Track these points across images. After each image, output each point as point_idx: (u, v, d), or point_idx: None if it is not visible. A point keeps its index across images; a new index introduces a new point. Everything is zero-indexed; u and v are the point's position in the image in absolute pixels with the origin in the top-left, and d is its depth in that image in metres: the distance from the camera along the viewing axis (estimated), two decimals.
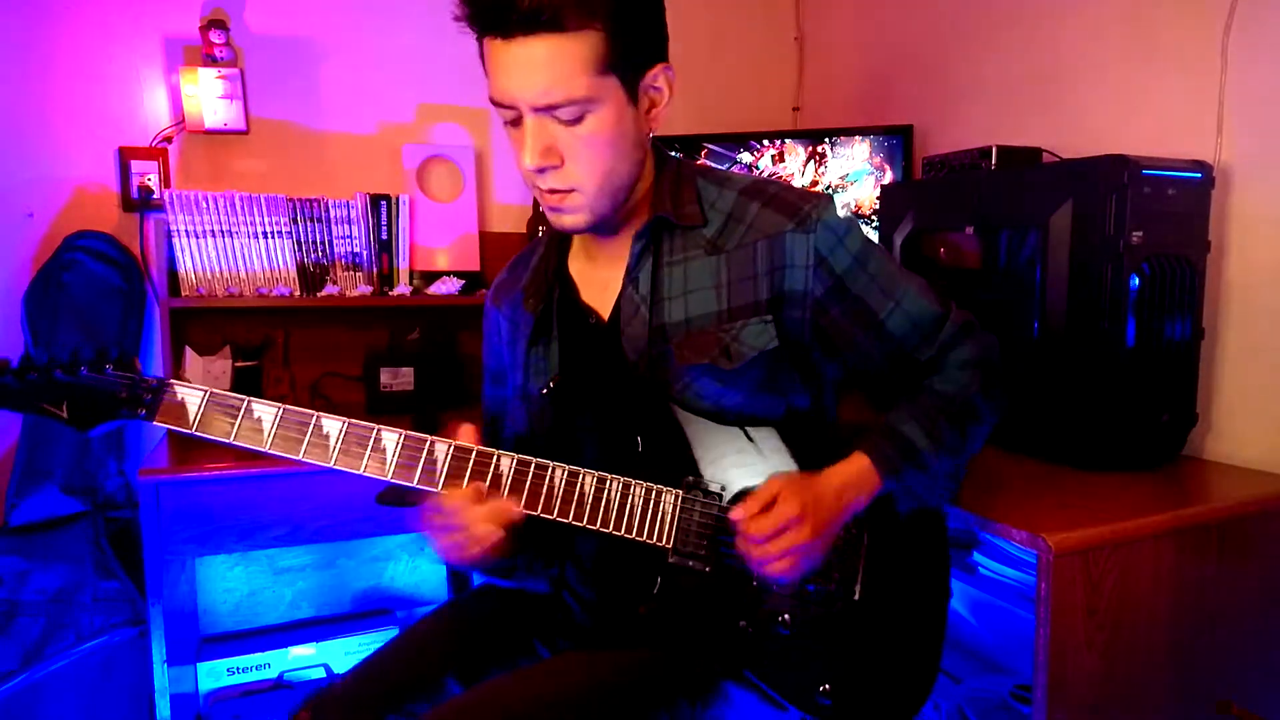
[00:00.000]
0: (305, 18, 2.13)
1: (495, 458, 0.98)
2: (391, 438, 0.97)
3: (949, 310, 1.08)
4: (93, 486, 1.89)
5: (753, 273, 1.02)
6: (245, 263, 2.02)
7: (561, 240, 1.14)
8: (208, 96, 1.99)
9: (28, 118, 1.93)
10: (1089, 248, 1.36)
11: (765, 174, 2.20)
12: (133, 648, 1.77)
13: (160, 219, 1.98)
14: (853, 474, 0.99)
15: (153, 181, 2.00)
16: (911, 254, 1.71)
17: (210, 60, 2.00)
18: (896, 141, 2.06)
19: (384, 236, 2.14)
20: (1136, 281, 1.34)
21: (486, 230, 2.31)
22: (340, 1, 2.15)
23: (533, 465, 0.98)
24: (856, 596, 1.02)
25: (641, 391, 1.03)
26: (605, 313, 1.08)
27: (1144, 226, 1.33)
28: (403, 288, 2.13)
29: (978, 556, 1.54)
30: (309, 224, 2.08)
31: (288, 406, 0.96)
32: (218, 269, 2.00)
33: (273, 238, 2.04)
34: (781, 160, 2.19)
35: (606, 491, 0.99)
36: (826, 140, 2.14)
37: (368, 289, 2.09)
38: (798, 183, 2.16)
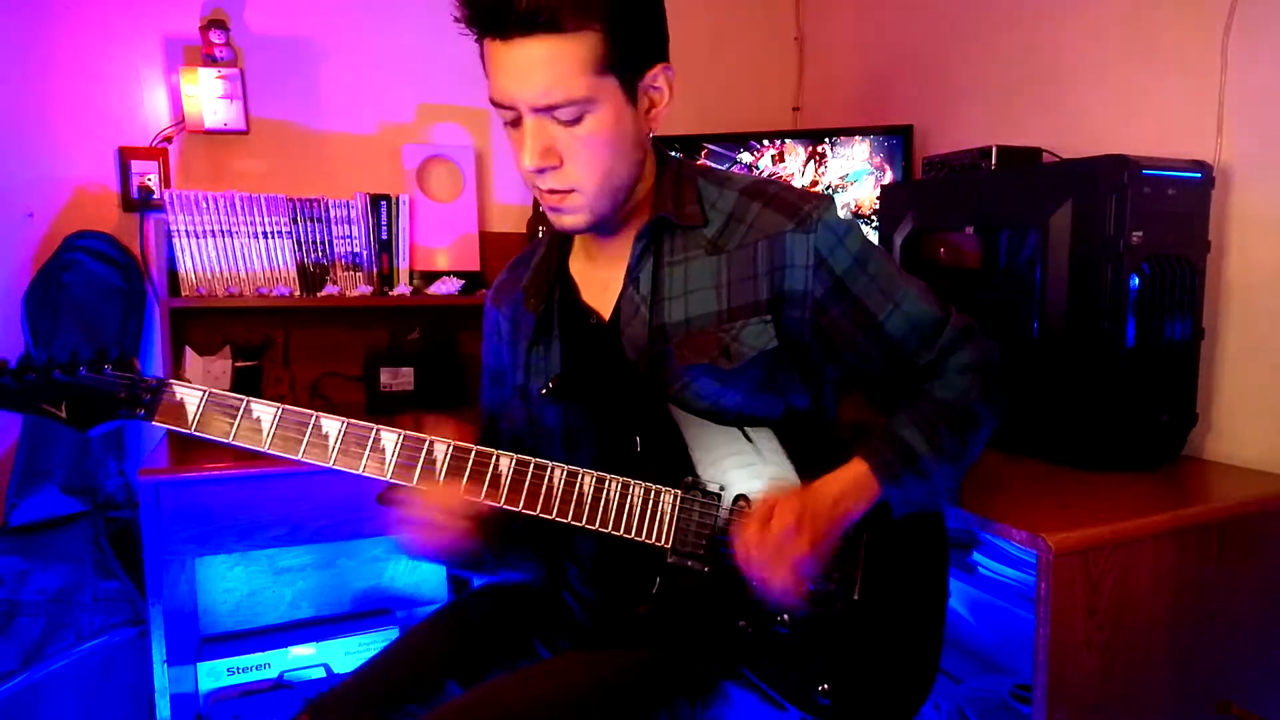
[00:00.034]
0: (305, 18, 2.13)
1: (494, 457, 0.98)
2: (390, 438, 0.97)
3: (949, 314, 1.07)
4: (93, 486, 1.89)
5: (753, 273, 1.02)
6: (245, 263, 2.02)
7: (562, 241, 1.14)
8: (208, 96, 1.99)
9: (28, 118, 1.93)
10: (1089, 248, 1.36)
11: (765, 174, 2.20)
12: (133, 648, 1.77)
13: (160, 219, 1.98)
14: (850, 481, 0.99)
15: (153, 181, 2.00)
16: (911, 254, 1.70)
17: (210, 60, 2.00)
18: (896, 141, 2.06)
19: (384, 236, 2.14)
20: (1136, 281, 1.34)
21: (486, 230, 2.31)
22: (340, 1, 2.15)
23: (532, 465, 0.98)
24: (855, 596, 1.02)
25: (641, 391, 1.03)
26: (606, 313, 1.08)
27: (1144, 226, 1.33)
28: (403, 288, 2.13)
29: (978, 556, 1.54)
30: (309, 224, 2.09)
31: (287, 406, 0.96)
32: (218, 269, 2.00)
33: (273, 238, 2.04)
34: (781, 160, 2.19)
35: (605, 491, 0.99)
36: (826, 140, 2.14)
37: (368, 289, 2.09)
38: (798, 183, 2.16)
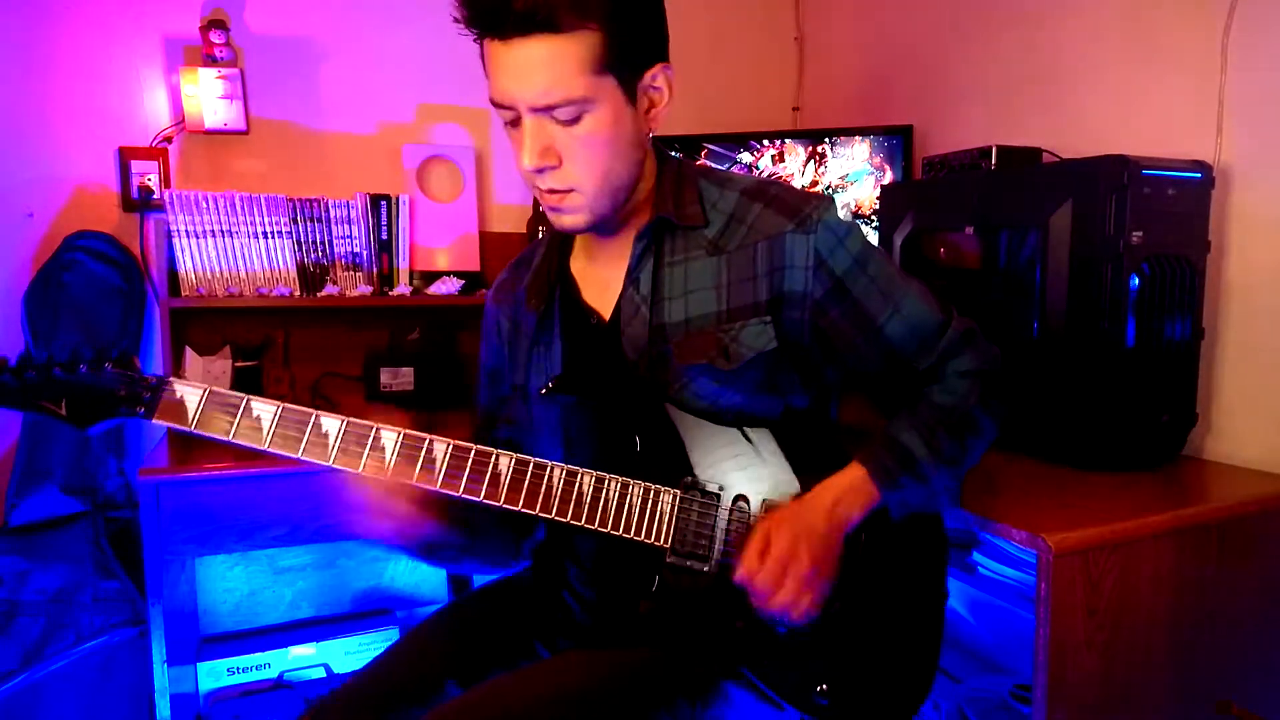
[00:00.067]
0: (305, 18, 2.13)
1: (494, 456, 0.98)
2: (390, 436, 0.97)
3: (950, 317, 1.07)
4: (93, 486, 1.89)
5: (753, 274, 1.02)
6: (245, 263, 2.02)
7: (563, 240, 1.14)
8: (208, 96, 1.99)
9: (28, 118, 1.93)
10: (1089, 248, 1.36)
11: (765, 174, 2.20)
12: (133, 648, 1.77)
13: (160, 219, 1.98)
14: (848, 486, 0.99)
15: (153, 181, 2.00)
16: (911, 254, 1.70)
17: (210, 60, 2.00)
18: (896, 141, 2.06)
19: (384, 236, 2.14)
20: (1136, 281, 1.34)
21: (486, 230, 2.31)
22: (340, 1, 2.15)
23: (531, 464, 0.98)
24: (854, 596, 1.01)
25: (640, 391, 1.03)
26: (606, 312, 1.08)
27: (1144, 226, 1.33)
28: (403, 288, 2.13)
29: (978, 556, 1.54)
30: (309, 224, 2.09)
31: (287, 405, 0.96)
32: (218, 269, 2.00)
33: (273, 238, 2.04)
34: (781, 160, 2.19)
35: (604, 491, 0.99)
36: (826, 140, 2.14)
37: (368, 289, 2.09)
38: (798, 183, 2.16)
